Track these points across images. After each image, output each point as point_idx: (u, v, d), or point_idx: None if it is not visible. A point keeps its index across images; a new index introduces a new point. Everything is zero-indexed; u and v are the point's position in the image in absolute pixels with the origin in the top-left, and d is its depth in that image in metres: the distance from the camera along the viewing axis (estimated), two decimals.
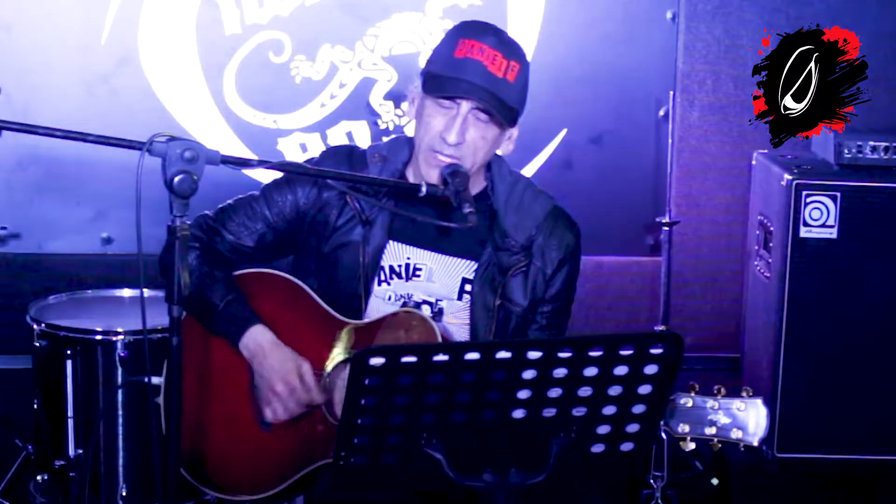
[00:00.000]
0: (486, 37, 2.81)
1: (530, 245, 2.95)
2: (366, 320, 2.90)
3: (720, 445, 2.63)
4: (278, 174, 3.02)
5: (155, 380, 3.09)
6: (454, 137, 2.79)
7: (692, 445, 2.62)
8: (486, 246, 2.93)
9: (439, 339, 2.80)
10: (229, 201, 3.02)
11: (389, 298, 2.94)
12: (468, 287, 2.94)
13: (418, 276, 2.95)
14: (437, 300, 2.94)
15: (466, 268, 2.95)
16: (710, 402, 2.60)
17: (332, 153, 3.02)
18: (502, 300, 2.92)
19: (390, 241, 2.95)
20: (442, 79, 2.81)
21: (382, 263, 2.94)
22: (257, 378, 2.87)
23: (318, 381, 2.85)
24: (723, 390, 2.62)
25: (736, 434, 2.59)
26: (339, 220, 2.95)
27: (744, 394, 2.61)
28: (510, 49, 2.83)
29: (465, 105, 2.79)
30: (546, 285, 2.96)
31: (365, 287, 2.93)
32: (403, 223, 2.94)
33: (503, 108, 2.80)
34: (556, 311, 3.00)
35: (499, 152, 2.96)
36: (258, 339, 2.87)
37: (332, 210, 2.95)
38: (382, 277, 2.95)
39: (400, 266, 2.95)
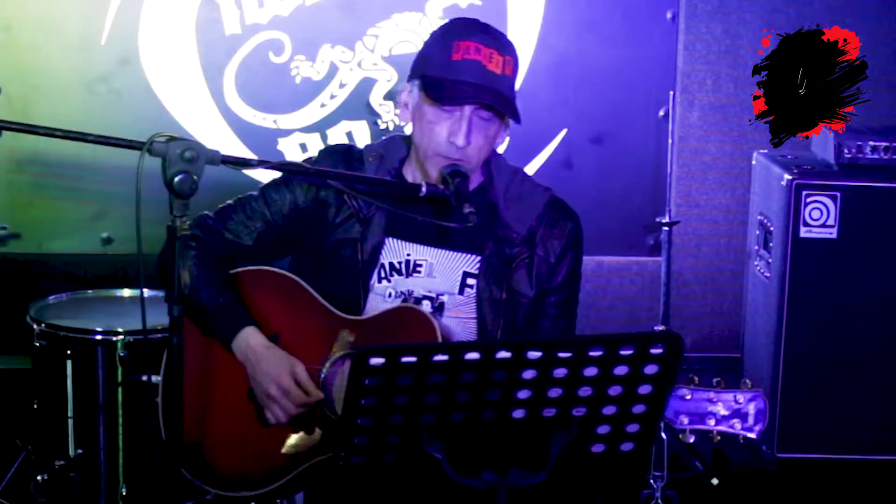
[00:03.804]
0: (479, 35, 2.83)
1: (532, 236, 2.95)
2: (364, 316, 2.90)
3: (719, 438, 2.63)
4: (278, 173, 3.03)
5: (155, 378, 3.09)
6: (463, 141, 2.81)
7: (692, 438, 2.62)
8: (487, 239, 2.94)
9: (438, 335, 2.80)
10: (229, 201, 3.02)
11: (390, 295, 2.94)
12: (470, 281, 2.95)
13: (419, 272, 2.95)
14: (437, 295, 2.95)
15: (467, 262, 2.95)
16: (710, 395, 2.60)
17: (329, 152, 3.03)
18: (508, 293, 2.93)
19: (389, 238, 2.95)
20: (443, 83, 2.81)
21: (382, 261, 2.95)
22: (252, 382, 2.87)
23: (314, 378, 2.85)
24: (722, 382, 2.62)
25: (736, 426, 2.59)
26: (337, 218, 2.96)
27: (743, 386, 2.62)
28: (503, 44, 2.85)
29: (468, 107, 2.81)
30: (551, 274, 2.97)
31: (364, 284, 2.93)
32: (402, 220, 2.94)
33: (506, 103, 2.83)
34: (564, 300, 3.01)
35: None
36: (249, 342, 2.87)
37: (330, 208, 2.96)
38: (382, 275, 2.95)
39: (400, 263, 2.95)
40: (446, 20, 4.66)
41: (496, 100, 2.80)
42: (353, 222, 2.95)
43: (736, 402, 2.60)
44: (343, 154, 3.00)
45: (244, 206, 3.00)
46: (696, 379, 2.63)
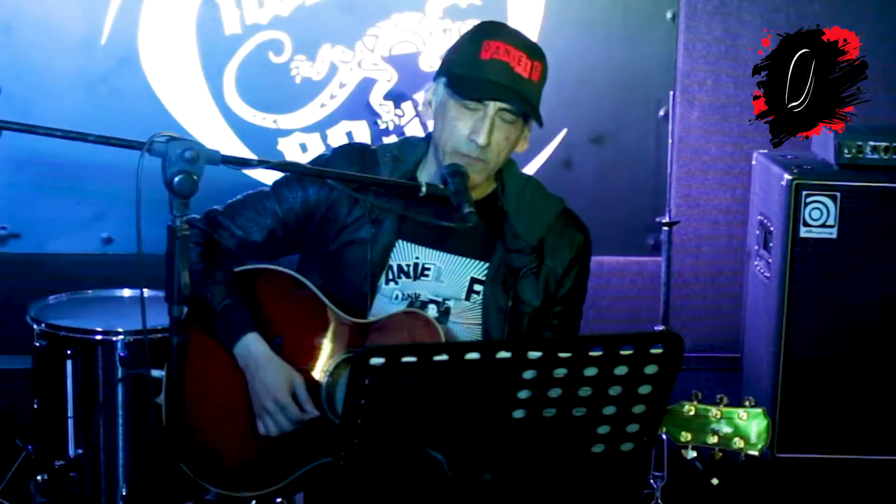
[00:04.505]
0: (510, 38, 2.83)
1: (541, 246, 2.95)
2: (370, 319, 2.90)
3: (721, 454, 2.62)
4: (279, 173, 3.02)
5: (156, 373, 3.09)
6: (484, 139, 2.80)
7: (693, 454, 2.61)
8: (496, 247, 2.94)
9: (443, 340, 2.79)
10: (239, 196, 3.02)
11: (396, 297, 2.94)
12: (477, 287, 2.94)
13: (427, 275, 2.95)
14: (444, 300, 2.94)
15: (476, 268, 2.95)
16: (713, 411, 2.60)
17: (344, 151, 3.02)
18: (515, 301, 2.93)
19: (399, 241, 2.95)
20: (469, 80, 2.81)
21: (391, 262, 2.94)
22: (250, 391, 2.87)
23: (312, 393, 2.84)
24: (725, 399, 2.61)
25: (737, 444, 2.59)
26: (348, 217, 2.95)
27: (746, 403, 2.61)
28: (533, 50, 2.85)
29: (493, 106, 2.80)
30: (557, 286, 2.97)
31: (371, 285, 2.93)
32: (413, 223, 2.93)
33: (529, 107, 2.82)
34: (567, 312, 3.00)
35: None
36: (251, 350, 2.86)
37: (341, 207, 2.95)
38: (390, 276, 2.95)
39: (408, 265, 2.95)
40: (446, 20, 4.72)
41: (521, 102, 2.80)
42: (365, 222, 2.94)
43: (739, 419, 2.59)
44: (358, 154, 2.99)
45: (255, 203, 2.99)
46: (700, 395, 2.63)
